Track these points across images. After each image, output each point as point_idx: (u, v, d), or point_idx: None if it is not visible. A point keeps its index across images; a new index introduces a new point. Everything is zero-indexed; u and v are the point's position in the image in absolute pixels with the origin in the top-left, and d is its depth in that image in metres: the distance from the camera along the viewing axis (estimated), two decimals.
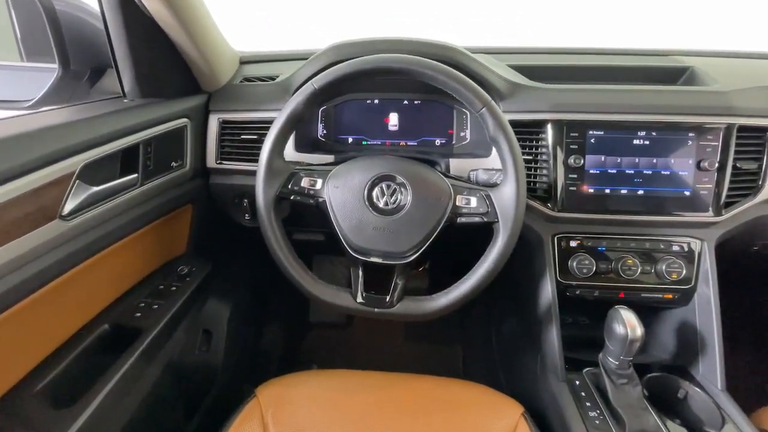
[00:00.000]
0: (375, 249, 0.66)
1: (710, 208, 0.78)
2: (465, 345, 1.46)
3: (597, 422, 0.70)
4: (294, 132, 0.88)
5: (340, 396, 0.77)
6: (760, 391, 1.31)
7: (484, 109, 0.63)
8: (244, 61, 1.04)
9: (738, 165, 0.77)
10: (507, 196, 0.63)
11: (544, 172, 0.80)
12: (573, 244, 0.82)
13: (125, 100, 0.77)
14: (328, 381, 0.81)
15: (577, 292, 0.83)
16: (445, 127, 0.95)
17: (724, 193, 0.78)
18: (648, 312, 0.90)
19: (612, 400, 0.70)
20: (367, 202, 0.65)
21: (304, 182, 0.67)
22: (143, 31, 0.72)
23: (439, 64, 0.64)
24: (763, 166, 0.78)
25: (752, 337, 1.46)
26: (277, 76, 0.94)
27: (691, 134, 0.77)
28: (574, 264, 0.81)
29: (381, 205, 0.65)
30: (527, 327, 0.92)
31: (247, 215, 0.93)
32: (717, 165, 0.76)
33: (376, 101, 0.94)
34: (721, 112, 0.77)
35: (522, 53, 1.05)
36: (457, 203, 0.66)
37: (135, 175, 0.70)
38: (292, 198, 0.67)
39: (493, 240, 0.65)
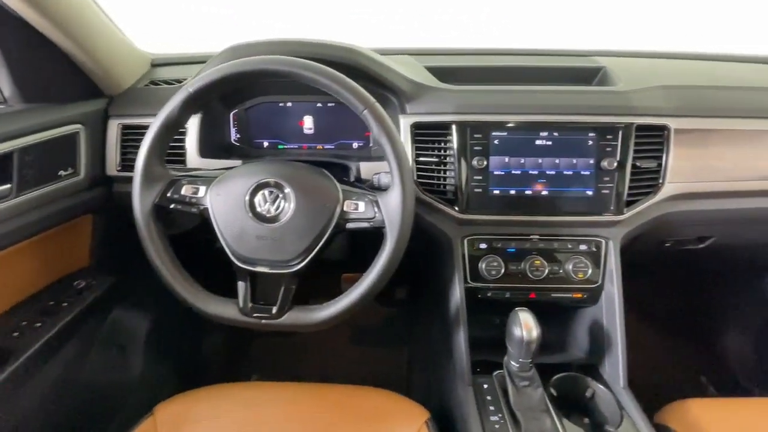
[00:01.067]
0: (261, 258, 0.63)
1: (612, 207, 0.78)
2: (410, 348, 1.45)
3: (497, 426, 0.69)
4: (200, 136, 0.86)
5: (246, 412, 0.75)
6: (684, 384, 1.35)
7: (365, 111, 0.61)
8: (157, 64, 1.00)
9: (638, 164, 0.78)
10: (393, 201, 0.61)
11: (451, 174, 0.79)
12: (483, 246, 0.82)
13: (1, 106, 0.72)
14: (236, 396, 0.78)
15: (489, 294, 0.83)
16: (362, 129, 0.94)
17: (626, 192, 0.78)
18: (561, 312, 0.91)
19: (512, 403, 0.69)
20: (249, 210, 0.63)
21: (185, 190, 0.64)
22: (16, 33, 0.68)
23: (320, 66, 0.62)
24: (663, 165, 0.79)
25: (671, 332, 1.50)
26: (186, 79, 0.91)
27: (591, 134, 0.78)
28: (483, 266, 0.80)
29: (263, 212, 0.63)
30: (439, 330, 0.91)
31: None
32: (616, 164, 0.76)
33: (289, 104, 0.92)
34: (619, 112, 0.78)
35: (444, 54, 1.05)
36: (345, 209, 0.64)
37: (7, 186, 0.65)
38: (172, 207, 0.64)
39: (382, 246, 0.63)
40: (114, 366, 0.89)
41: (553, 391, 0.78)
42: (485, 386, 0.77)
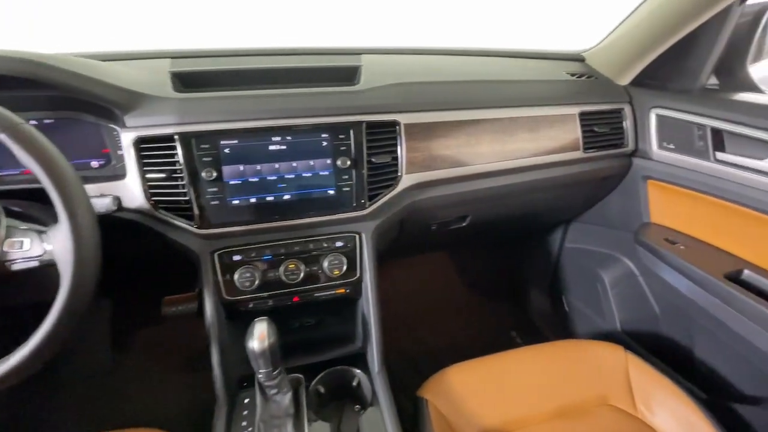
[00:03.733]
0: None
1: (355, 203, 0.82)
2: None
3: None
4: None
5: None
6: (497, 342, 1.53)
7: (2, 135, 0.53)
8: None
9: (373, 160, 0.83)
10: (61, 235, 0.54)
11: (183, 189, 0.74)
12: (237, 258, 0.79)
13: None
14: None
15: (250, 306, 0.81)
16: (98, 145, 0.84)
17: (366, 187, 0.82)
18: (336, 307, 0.93)
19: (257, 415, 0.69)
20: None
21: None
22: None
23: None
24: (398, 158, 0.85)
25: (486, 297, 1.70)
26: None
27: (324, 135, 0.79)
28: (237, 278, 0.78)
29: None
30: None
31: None
32: (349, 163, 0.79)
33: None
34: (350, 112, 0.81)
35: (203, 57, 0.98)
36: (4, 248, 0.55)
37: None
38: None
39: (61, 288, 0.56)
40: None
41: (320, 388, 0.80)
42: (246, 401, 0.75)
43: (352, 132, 0.80)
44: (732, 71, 0.98)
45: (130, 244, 0.88)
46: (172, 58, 0.93)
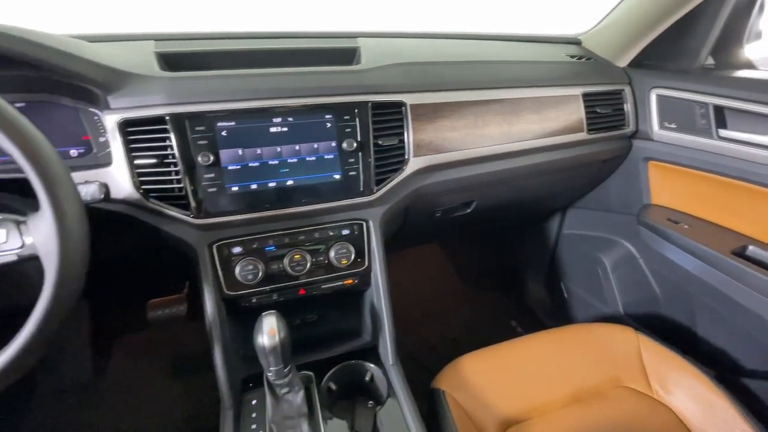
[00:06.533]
0: None
1: (363, 188, 0.78)
2: None
3: None
4: None
5: None
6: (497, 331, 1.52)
7: None
8: None
9: (380, 142, 0.78)
10: (44, 222, 0.48)
11: (176, 176, 0.68)
12: (237, 249, 0.73)
13: None
14: None
15: (253, 300, 0.76)
16: (78, 132, 0.76)
17: (372, 171, 0.78)
18: (343, 300, 0.89)
19: (269, 416, 0.63)
20: None
21: None
22: None
23: None
24: (406, 141, 0.81)
25: (486, 288, 1.69)
26: None
27: (328, 116, 0.75)
28: (239, 271, 0.72)
29: None
30: None
31: None
32: (356, 145, 0.75)
33: None
34: (354, 91, 0.76)
35: (191, 39, 0.92)
36: None
37: None
38: None
39: (45, 284, 0.49)
40: None
41: (332, 384, 0.76)
42: (253, 402, 0.70)
43: (357, 113, 0.76)
44: (729, 51, 0.99)
45: (113, 241, 0.81)
46: (156, 40, 0.86)
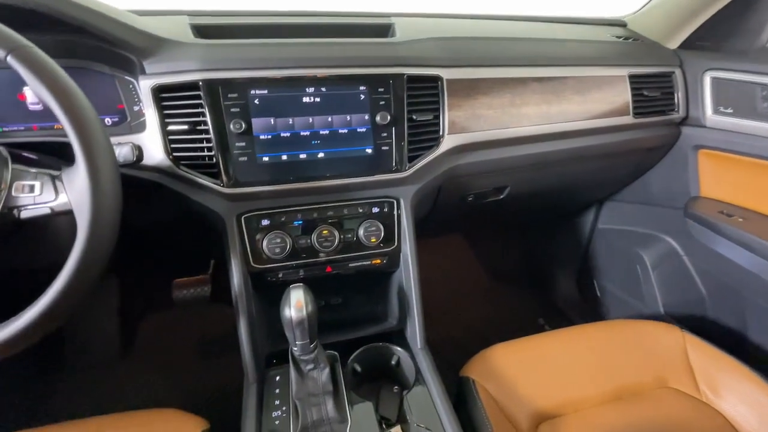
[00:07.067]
0: None
1: (394, 164, 0.75)
2: None
3: (277, 423, 0.61)
4: None
5: None
6: (523, 326, 1.46)
7: (9, 56, 0.45)
8: None
9: (414, 117, 0.75)
10: (79, 177, 0.47)
11: (208, 143, 0.67)
12: (265, 222, 0.72)
13: None
14: None
15: (280, 275, 0.74)
16: (112, 100, 0.76)
17: (406, 147, 0.75)
18: (369, 281, 0.86)
19: (293, 392, 0.61)
20: None
21: None
22: None
23: None
24: (441, 117, 0.78)
25: (513, 282, 1.62)
26: None
27: (362, 87, 0.72)
28: (266, 244, 0.71)
29: None
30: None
31: None
32: (389, 119, 0.72)
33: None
34: (389, 63, 0.73)
35: (227, 15, 0.91)
36: (14, 193, 0.48)
37: None
38: None
39: (76, 239, 0.49)
40: None
41: (357, 366, 0.73)
42: (277, 378, 0.68)
43: (392, 84, 0.73)
44: None
45: (143, 210, 0.81)
46: (189, 15, 0.86)
